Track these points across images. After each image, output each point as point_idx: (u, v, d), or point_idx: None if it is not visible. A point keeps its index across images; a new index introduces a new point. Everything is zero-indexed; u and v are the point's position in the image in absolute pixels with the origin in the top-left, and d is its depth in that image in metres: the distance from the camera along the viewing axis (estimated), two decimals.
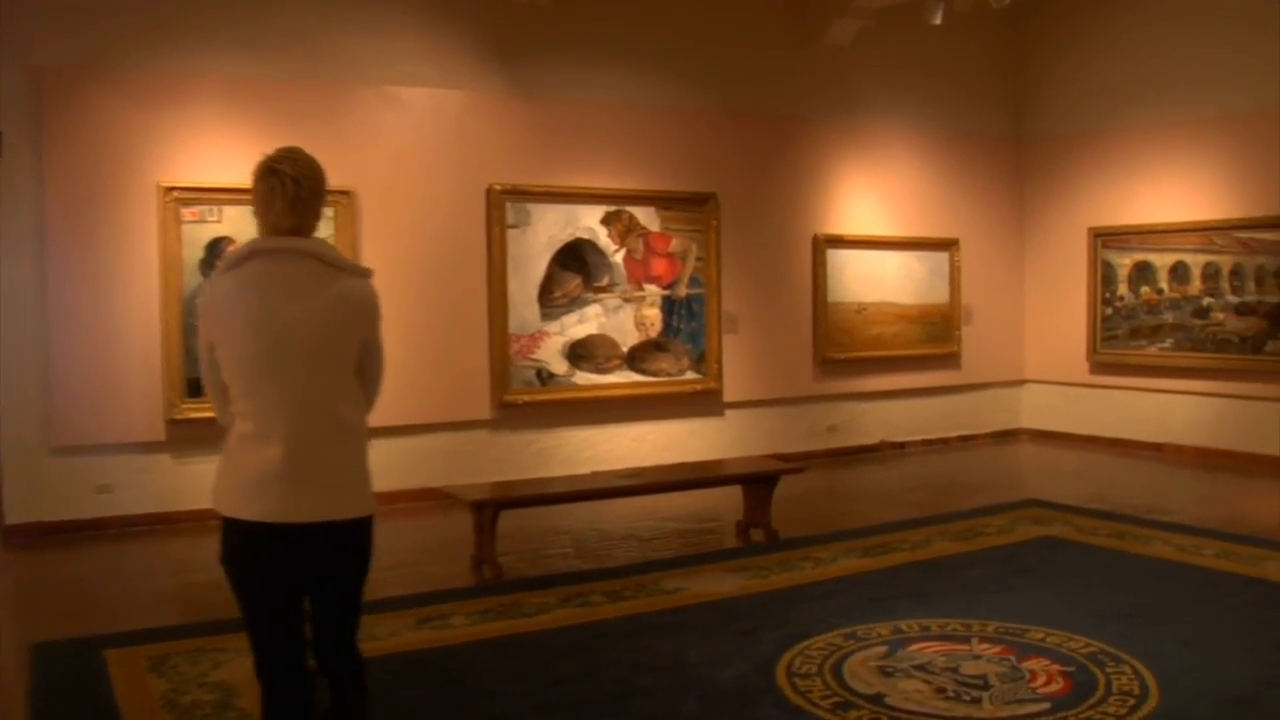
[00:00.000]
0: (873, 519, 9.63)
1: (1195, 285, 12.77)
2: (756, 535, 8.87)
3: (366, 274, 3.92)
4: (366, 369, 3.88)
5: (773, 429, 12.47)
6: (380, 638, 6.40)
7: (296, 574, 3.73)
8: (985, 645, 6.19)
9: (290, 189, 3.67)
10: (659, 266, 11.57)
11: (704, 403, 11.94)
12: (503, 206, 10.74)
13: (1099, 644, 6.18)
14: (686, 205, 11.73)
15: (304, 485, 3.61)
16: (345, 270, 3.80)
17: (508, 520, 8.29)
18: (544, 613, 6.96)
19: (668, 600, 7.20)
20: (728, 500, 9.45)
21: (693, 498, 9.95)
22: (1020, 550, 8.46)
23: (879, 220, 13.20)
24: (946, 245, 13.69)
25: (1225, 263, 12.51)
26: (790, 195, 12.53)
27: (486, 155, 10.74)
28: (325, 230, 9.72)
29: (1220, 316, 12.58)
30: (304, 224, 3.74)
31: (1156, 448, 13.23)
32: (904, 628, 6.51)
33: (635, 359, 11.47)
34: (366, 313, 3.85)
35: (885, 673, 5.79)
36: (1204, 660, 5.97)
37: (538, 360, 10.97)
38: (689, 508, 9.91)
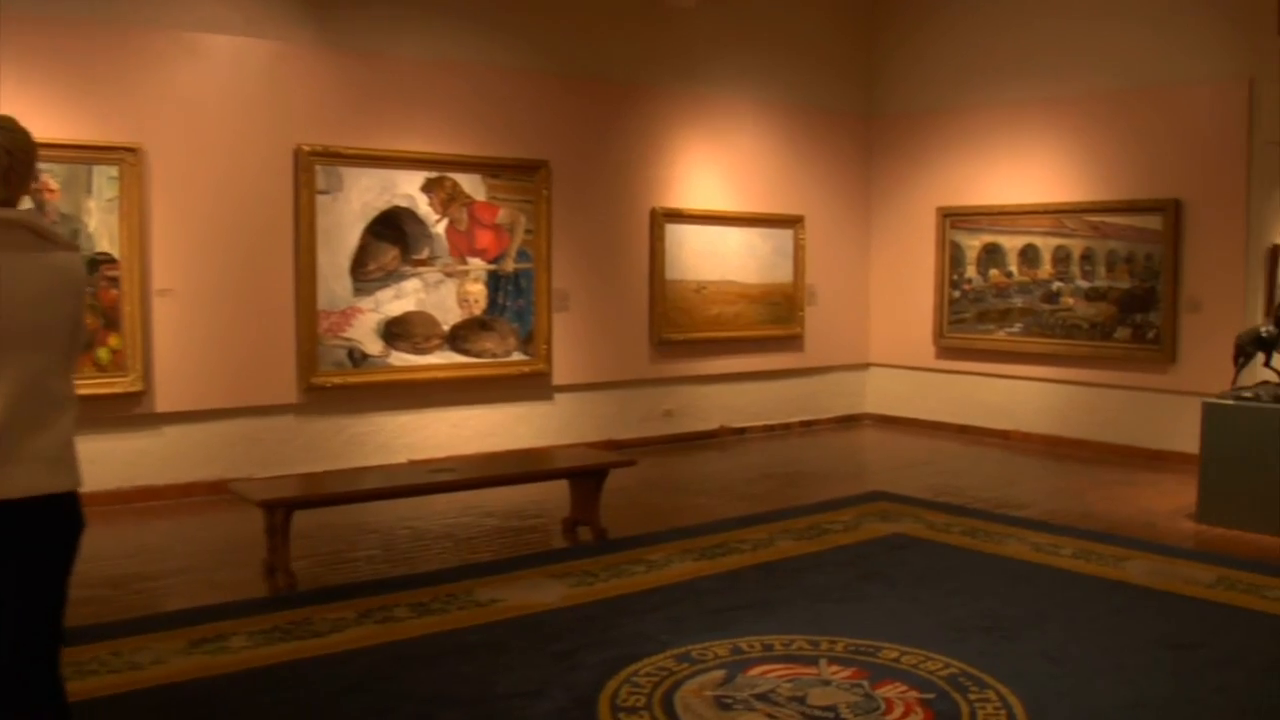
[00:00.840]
0: (711, 514, 8.92)
1: (1045, 269, 12.36)
2: (585, 534, 8.10)
3: (76, 248, 3.82)
4: (74, 343, 3.67)
5: (606, 414, 11.71)
6: (142, 666, 5.49)
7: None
8: (835, 668, 5.50)
9: (3, 160, 3.51)
10: (484, 239, 10.70)
11: (532, 386, 11.11)
12: (312, 170, 9.74)
13: (959, 664, 5.55)
14: (515, 173, 10.86)
15: (15, 460, 3.41)
16: (57, 243, 3.62)
17: (309, 517, 7.40)
18: (339, 631, 6.08)
19: (481, 614, 6.37)
20: (556, 493, 8.62)
21: (518, 489, 9.11)
22: (869, 550, 7.83)
23: (721, 195, 12.51)
24: (791, 222, 13.07)
25: (1076, 247, 12.11)
26: (628, 166, 11.76)
27: (295, 113, 9.72)
28: (108, 191, 8.74)
29: (1070, 302, 12.18)
30: (13, 196, 3.56)
31: (1004, 435, 12.83)
32: (744, 647, 5.78)
33: (457, 338, 10.58)
34: (78, 286, 3.69)
35: (723, 704, 5.05)
36: (1073, 681, 5.39)
37: (349, 339, 10.01)
38: (513, 501, 9.08)
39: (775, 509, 9.06)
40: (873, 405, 14.10)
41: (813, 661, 5.57)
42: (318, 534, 7.96)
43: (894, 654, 5.68)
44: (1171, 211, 11.37)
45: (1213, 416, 8.88)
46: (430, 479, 7.59)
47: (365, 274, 10.05)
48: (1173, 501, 9.62)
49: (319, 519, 7.85)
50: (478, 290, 10.67)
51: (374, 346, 10.14)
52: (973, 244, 12.94)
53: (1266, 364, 9.01)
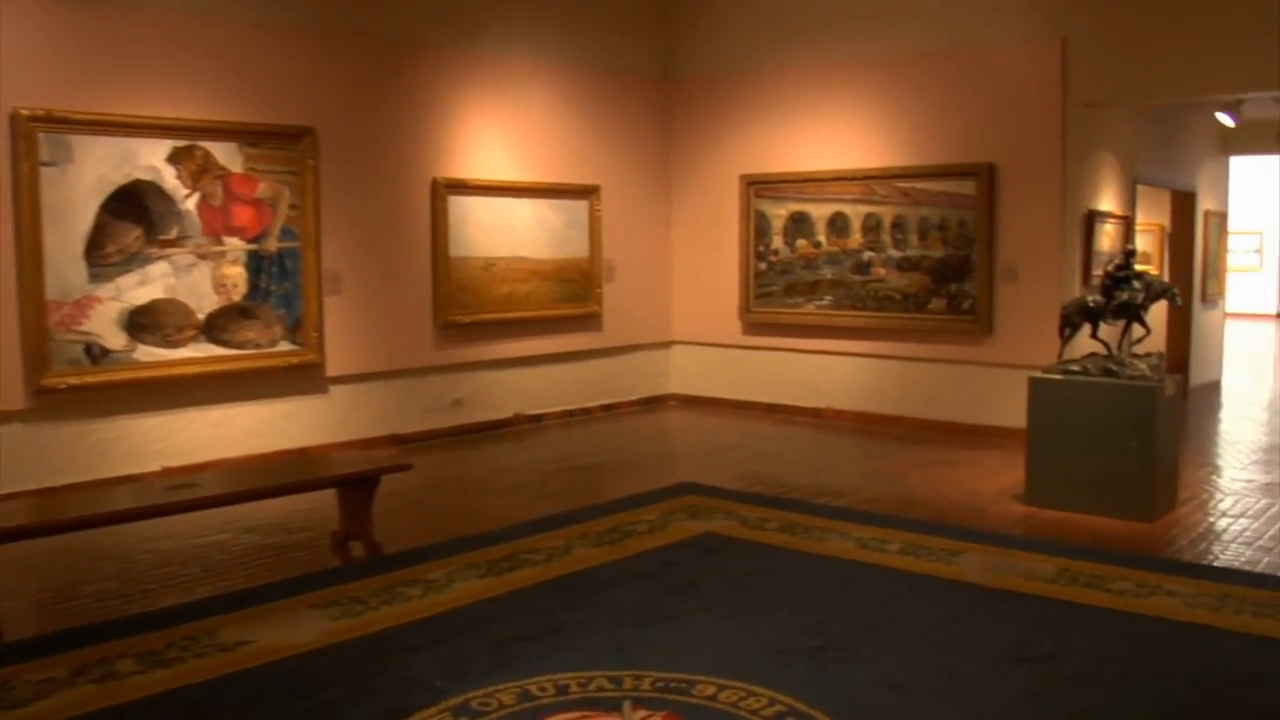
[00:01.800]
0: (502, 518, 7.93)
1: (855, 238, 11.70)
2: (357, 549, 7.04)
3: None
4: None
5: (387, 406, 10.61)
6: None
7: None
8: (642, 712, 4.60)
9: None
10: (243, 215, 9.47)
11: (303, 378, 9.94)
12: (34, 138, 8.36)
13: (786, 698, 4.72)
14: (277, 141, 9.65)
15: None
16: None
17: (31, 545, 6.17)
18: (42, 698, 4.87)
19: (224, 663, 5.25)
20: (328, 500, 7.45)
21: (285, 498, 7.98)
22: (677, 555, 6.97)
23: (509, 164, 11.48)
24: (586, 193, 12.13)
25: (887, 214, 11.48)
26: (405, 132, 10.64)
27: (11, 71, 8.34)
28: None
29: (881, 272, 11.56)
30: None
31: (815, 413, 12.17)
32: (535, 690, 4.83)
33: (214, 328, 9.34)
34: None
35: None
36: (916, 713, 4.60)
37: (87, 333, 8.68)
38: (278, 512, 7.90)
39: (573, 509, 8.13)
40: (678, 385, 13.31)
41: (615, 706, 4.66)
42: (43, 564, 6.78)
43: (710, 689, 4.82)
44: (985, 176, 10.81)
45: (1039, 392, 8.29)
46: (166, 499, 6.37)
47: (103, 258, 8.72)
48: (998, 481, 9.06)
49: (44, 546, 6.63)
50: (236, 273, 9.46)
51: (117, 340, 8.83)
52: (779, 213, 12.21)
53: (1094, 335, 8.45)
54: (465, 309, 11.06)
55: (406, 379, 10.76)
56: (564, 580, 6.45)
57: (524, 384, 11.77)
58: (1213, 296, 14.92)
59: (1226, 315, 16.15)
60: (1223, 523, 7.91)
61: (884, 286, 11.53)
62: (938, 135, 11.16)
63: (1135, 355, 8.26)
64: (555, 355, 12.02)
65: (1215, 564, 6.94)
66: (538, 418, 11.90)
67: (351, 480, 6.91)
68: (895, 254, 11.45)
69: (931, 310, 11.24)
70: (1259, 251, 26.74)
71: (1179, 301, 8.55)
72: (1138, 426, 7.87)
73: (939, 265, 11.19)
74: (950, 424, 11.26)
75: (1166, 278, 13.53)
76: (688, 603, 6.05)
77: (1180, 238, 14.20)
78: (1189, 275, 14.02)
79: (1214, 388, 14.94)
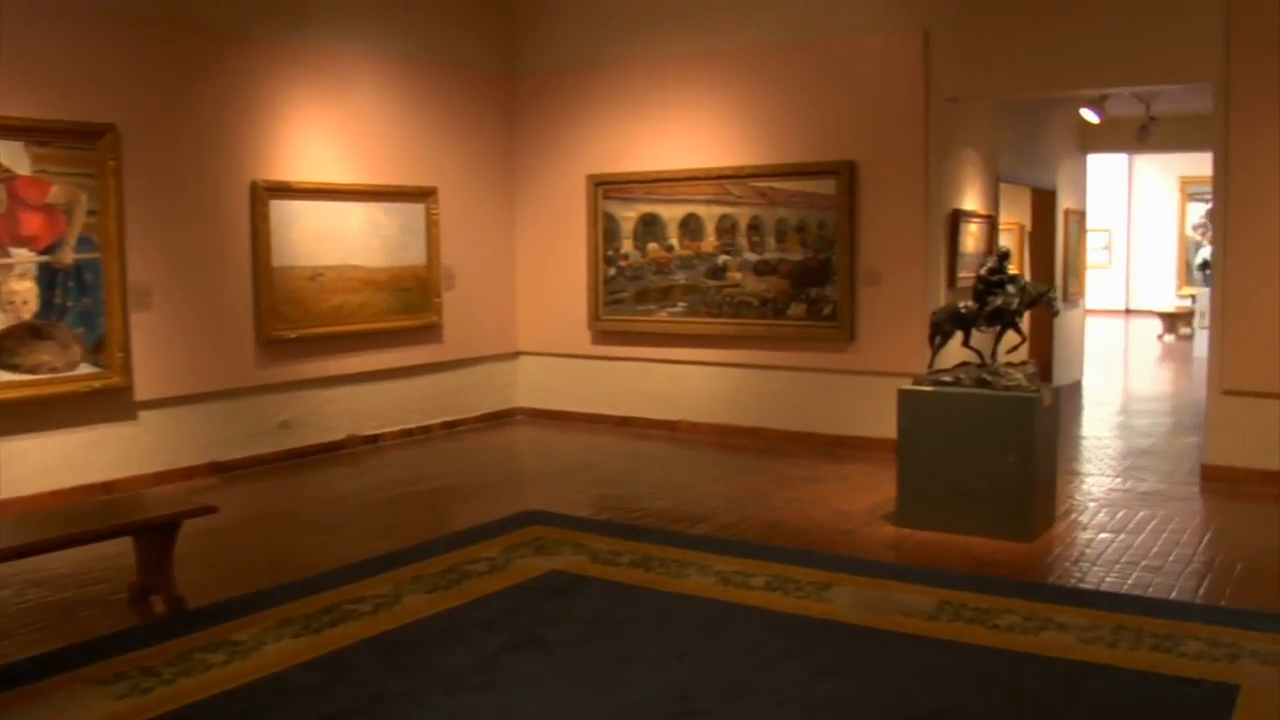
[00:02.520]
0: (325, 559, 7.06)
1: (709, 241, 11.07)
2: (158, 604, 6.15)
3: None
4: None
5: (206, 431, 9.64)
6: None
7: None
8: None
9: None
10: (32, 224, 8.44)
11: (107, 404, 8.94)
12: None
13: None
14: (72, 141, 8.63)
15: None
16: None
17: None
18: None
19: None
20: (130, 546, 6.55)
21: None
22: (520, 600, 6.22)
23: (338, 165, 10.59)
24: (422, 195, 11.29)
25: (743, 216, 10.88)
26: (220, 131, 9.68)
27: None
28: None
29: (737, 276, 10.94)
30: None
31: (670, 426, 11.52)
32: None
33: (1, 351, 8.34)
34: None
35: None
36: None
37: None
38: (73, 560, 6.82)
39: (406, 546, 7.31)
40: (525, 399, 12.53)
41: None
42: None
43: None
44: (845, 175, 10.26)
45: (909, 404, 7.73)
46: None
47: None
48: (867, 499, 8.51)
49: None
50: (26, 288, 8.43)
51: None
52: (628, 215, 11.53)
53: (966, 343, 7.91)
54: (291, 323, 10.14)
55: (227, 401, 9.81)
56: (392, 637, 5.65)
57: (358, 402, 10.89)
58: (1074, 296, 14.65)
59: (1087, 313, 15.90)
60: (1104, 539, 7.44)
61: (740, 292, 10.92)
62: (795, 132, 10.59)
63: (1010, 364, 7.75)
64: (392, 370, 11.16)
65: (1104, 588, 6.43)
66: (374, 438, 11.03)
67: (143, 528, 6.01)
68: (752, 257, 10.85)
69: (791, 316, 10.66)
70: (1108, 249, 26.87)
71: (1056, 308, 8.05)
72: (1015, 440, 7.35)
73: (798, 269, 10.61)
74: (813, 435, 10.70)
75: (1027, 278, 13.14)
76: (530, 662, 5.30)
77: (1041, 237, 13.87)
78: (1050, 275, 13.70)
79: (1076, 388, 14.66)
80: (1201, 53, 8.95)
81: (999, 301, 7.65)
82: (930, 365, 7.94)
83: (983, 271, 7.81)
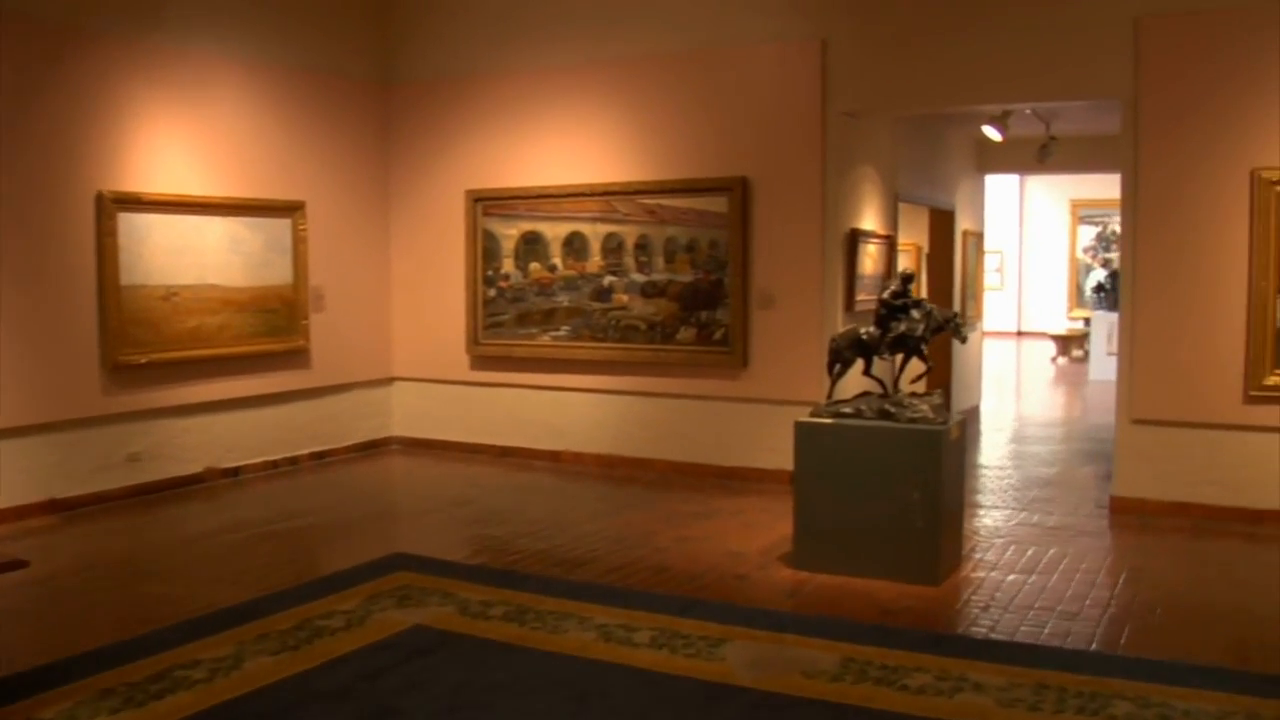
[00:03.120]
0: (162, 614, 6.28)
1: (594, 261, 10.48)
2: None
3: None
4: None
5: (43, 466, 8.77)
6: None
7: None
8: None
9: None
10: None
11: None
12: None
13: None
14: None
15: None
16: None
17: None
18: None
19: None
20: None
21: None
22: (378, 662, 5.53)
23: (195, 176, 9.78)
24: (289, 210, 10.53)
25: (630, 234, 10.31)
26: (61, 137, 8.83)
27: None
28: None
29: (624, 299, 10.36)
30: None
31: (554, 456, 10.89)
32: None
33: None
34: None
35: None
36: None
37: None
38: None
39: (255, 598, 6.57)
40: (400, 428, 11.80)
41: None
42: None
43: None
44: (738, 192, 9.75)
45: (807, 438, 7.18)
46: None
47: None
48: (762, 538, 7.97)
49: None
50: None
51: None
52: (509, 233, 10.88)
53: (867, 372, 7.39)
54: (141, 347, 9.31)
55: (68, 432, 8.95)
56: (228, 711, 4.93)
57: (218, 432, 10.09)
58: (971, 319, 14.27)
59: (984, 335, 15.56)
60: (1015, 581, 6.97)
61: (627, 315, 10.33)
62: (685, 147, 10.05)
63: (915, 394, 7.24)
64: (255, 398, 10.37)
65: (1020, 638, 5.92)
66: (235, 471, 10.24)
67: None
68: (639, 278, 10.27)
69: (680, 341, 10.10)
70: (1000, 270, 26.79)
71: (964, 334, 7.55)
72: (920, 476, 6.83)
73: (688, 290, 10.06)
74: (705, 467, 10.13)
75: (923, 294, 12.73)
76: None
77: (938, 258, 13.47)
78: (948, 297, 13.31)
79: (973, 414, 14.28)
80: (1110, 68, 8.61)
81: (903, 327, 7.14)
82: (829, 395, 7.41)
83: (885, 295, 7.29)
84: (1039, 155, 13.20)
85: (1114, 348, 10.28)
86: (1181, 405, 8.50)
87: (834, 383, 7.38)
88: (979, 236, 14.80)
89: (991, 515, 8.76)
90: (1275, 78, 8.13)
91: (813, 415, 7.22)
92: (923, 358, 7.24)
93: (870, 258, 10.32)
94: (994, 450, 12.15)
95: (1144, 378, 8.61)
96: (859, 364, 7.35)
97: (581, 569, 7.23)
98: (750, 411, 9.88)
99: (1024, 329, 27.13)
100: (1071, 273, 26.24)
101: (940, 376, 12.90)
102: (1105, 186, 25.04)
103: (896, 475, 6.87)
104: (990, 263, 25.61)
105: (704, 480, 9.96)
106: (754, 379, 9.86)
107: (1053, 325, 24.42)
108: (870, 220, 10.42)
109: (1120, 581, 6.99)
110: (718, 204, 9.85)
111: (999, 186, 24.57)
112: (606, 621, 6.08)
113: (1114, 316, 18.70)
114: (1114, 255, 25.36)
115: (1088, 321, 21.26)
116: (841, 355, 7.29)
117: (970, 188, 14.44)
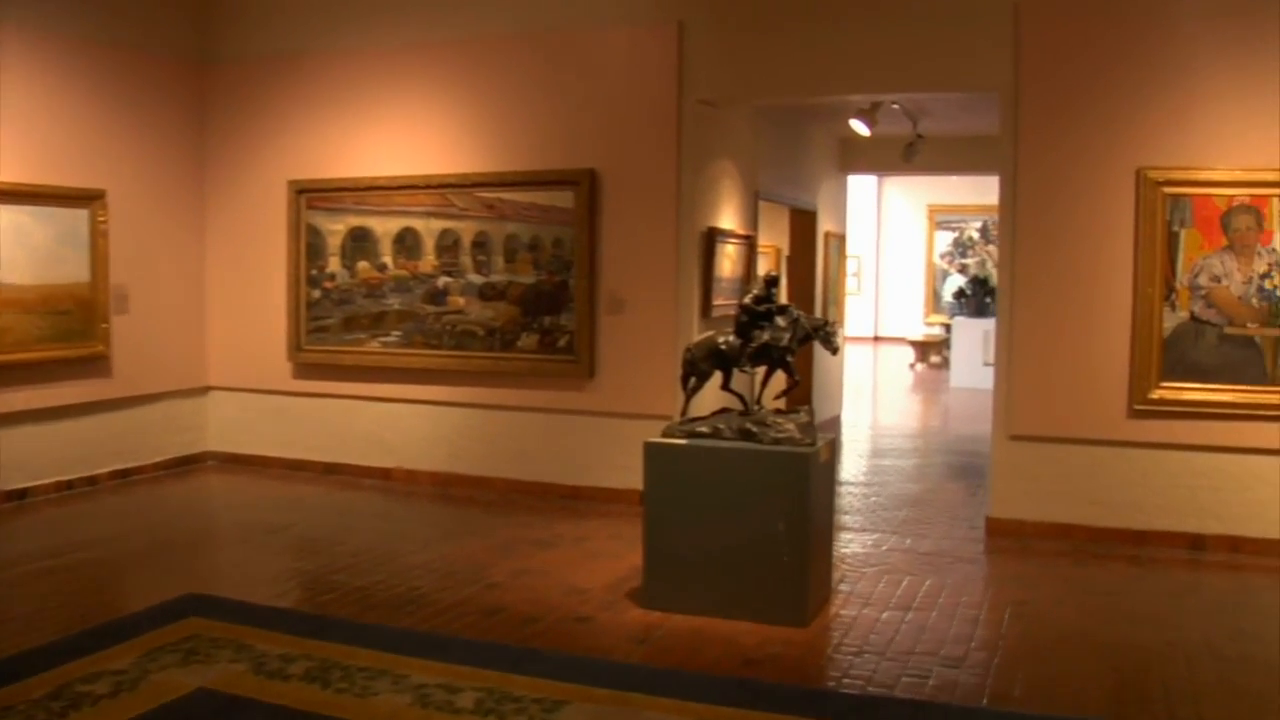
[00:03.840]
0: None
1: (428, 260, 9.56)
2: None
3: None
4: None
5: None
6: None
7: None
8: None
9: None
10: None
11: None
12: None
13: None
14: None
15: None
16: None
17: None
18: None
19: None
20: None
21: None
22: None
23: None
24: (86, 199, 9.35)
25: (467, 231, 9.44)
26: None
27: None
28: None
29: (460, 302, 9.47)
30: None
31: (384, 474, 9.96)
32: None
33: None
34: None
35: None
36: None
37: None
38: None
39: (8, 654, 5.53)
40: (216, 442, 10.70)
41: None
42: None
43: None
44: (585, 186, 8.93)
45: (658, 460, 6.38)
46: None
47: None
48: (608, 570, 7.17)
49: None
50: None
51: None
52: (336, 229, 9.89)
53: (725, 386, 6.60)
54: None
55: None
56: None
57: (5, 448, 8.94)
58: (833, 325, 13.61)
59: (846, 340, 14.93)
60: (892, 619, 6.27)
61: (463, 319, 9.43)
62: (529, 136, 9.19)
63: (780, 411, 6.46)
64: (46, 410, 9.20)
65: (901, 692, 5.19)
66: (21, 493, 9.06)
67: None
68: (477, 279, 9.38)
69: (521, 348, 9.23)
70: (857, 275, 26.43)
71: (836, 343, 6.79)
72: (786, 504, 6.07)
73: (530, 293, 9.20)
74: (548, 486, 9.30)
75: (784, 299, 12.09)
76: None
77: (800, 261, 12.79)
78: (810, 302, 12.65)
79: (835, 424, 13.65)
80: (989, 58, 8.01)
81: (766, 337, 6.36)
82: (683, 411, 6.62)
83: (747, 300, 6.50)
84: (905, 154, 12.57)
85: (991, 356, 9.69)
86: (1062, 420, 7.92)
87: (689, 398, 6.59)
88: (841, 239, 14.17)
89: (860, 540, 8.06)
90: (1164, 71, 7.59)
91: (665, 434, 6.42)
92: (789, 371, 6.47)
93: (729, 259, 9.58)
94: (858, 464, 11.50)
95: (1022, 391, 8.00)
96: (717, 377, 6.55)
97: (403, 612, 6.32)
98: (598, 426, 9.06)
99: (881, 334, 26.78)
100: (928, 278, 26.01)
101: (801, 385, 12.27)
102: (963, 191, 25.19)
103: (759, 503, 6.10)
104: (849, 267, 25.29)
105: (548, 501, 9.12)
106: (602, 391, 9.04)
107: (910, 331, 24.07)
108: (729, 219, 9.68)
109: (1006, 619, 6.32)
110: (563, 198, 9.00)
111: (857, 190, 24.27)
112: (425, 680, 5.18)
113: (980, 323, 18.64)
114: (971, 261, 25.35)
115: (947, 328, 20.89)
116: (697, 367, 6.49)
117: (833, 187, 13.81)
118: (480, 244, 9.35)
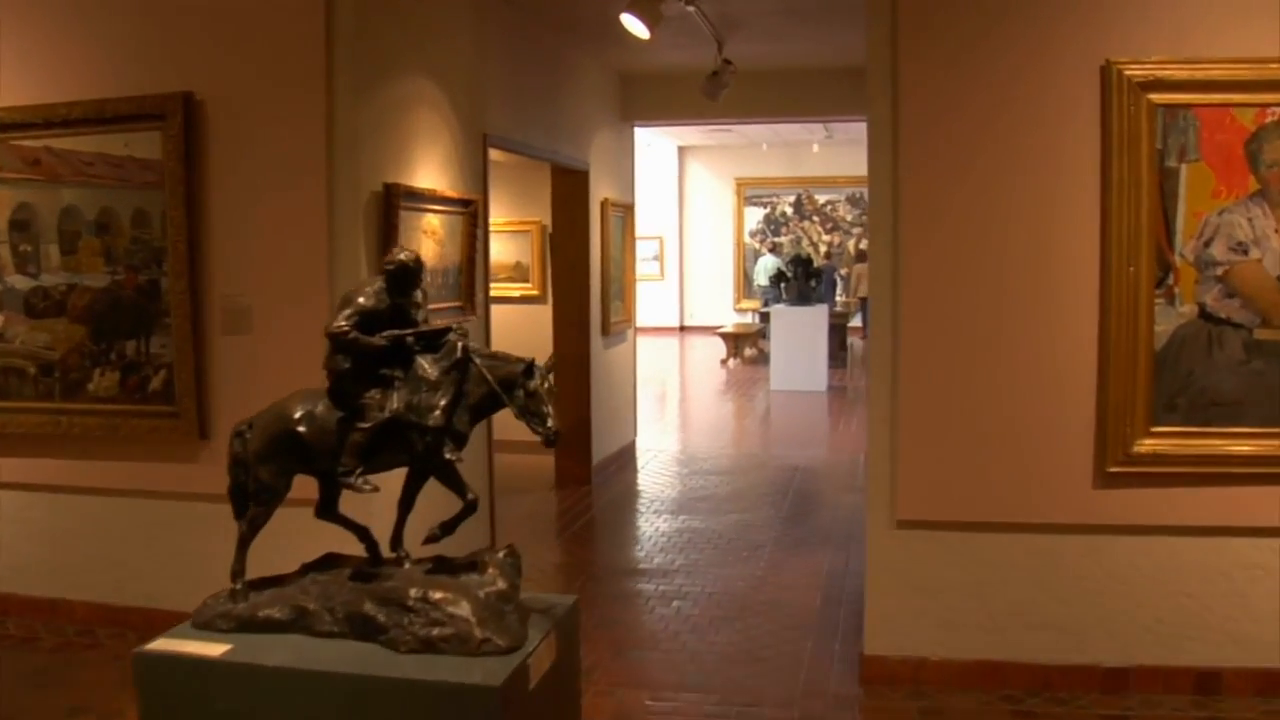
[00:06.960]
0: None
1: None
2: None
3: None
4: None
5: None
6: None
7: None
8: None
9: None
10: None
11: None
12: None
13: None
14: None
15: None
16: None
17: None
18: None
19: None
20: None
21: None
22: None
23: None
24: None
25: (2, 202, 5.71)
26: None
27: None
28: None
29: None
30: None
31: None
32: None
33: None
34: None
35: None
36: None
37: None
38: None
39: None
40: None
41: None
42: None
43: None
44: (178, 121, 5.27)
45: (161, 694, 2.93)
46: None
47: None
48: None
49: None
50: None
51: None
52: None
53: (324, 510, 3.07)
54: None
55: None
56: None
57: None
58: (620, 325, 10.04)
59: (639, 334, 11.30)
60: None
61: (3, 350, 5.70)
62: (89, 46, 5.47)
63: (444, 562, 2.95)
64: None
65: None
66: None
67: None
68: (20, 283, 5.65)
69: (95, 394, 5.53)
70: (659, 259, 23.23)
71: (551, 428, 3.09)
72: None
73: (103, 303, 5.50)
74: (153, 613, 5.50)
75: (549, 294, 8.70)
76: None
77: (569, 239, 9.25)
78: (585, 293, 9.13)
79: (627, 461, 10.13)
80: None
81: (396, 405, 2.84)
82: (236, 568, 3.15)
83: (341, 322, 2.95)
84: (706, 88, 9.03)
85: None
86: (983, 494, 4.66)
87: (246, 539, 3.07)
88: (628, 209, 10.60)
89: None
90: None
91: (189, 627, 2.90)
92: (450, 480, 2.94)
93: (431, 235, 6.01)
94: (656, 532, 7.95)
95: (917, 450, 4.66)
96: (311, 490, 3.03)
97: None
98: (217, 518, 5.38)
99: (687, 324, 23.67)
100: (738, 260, 23.11)
101: (576, 409, 8.79)
102: (775, 163, 22.26)
103: None
104: (647, 250, 22.08)
105: (148, 634, 5.45)
106: (221, 461, 5.36)
107: (720, 319, 21.08)
108: (430, 173, 6.10)
109: None
110: (146, 145, 5.33)
111: (654, 165, 21.19)
112: None
113: (804, 311, 15.51)
114: (785, 240, 22.50)
115: (763, 316, 17.73)
116: (253, 475, 3.00)
117: (612, 141, 10.18)
118: (21, 225, 5.61)
